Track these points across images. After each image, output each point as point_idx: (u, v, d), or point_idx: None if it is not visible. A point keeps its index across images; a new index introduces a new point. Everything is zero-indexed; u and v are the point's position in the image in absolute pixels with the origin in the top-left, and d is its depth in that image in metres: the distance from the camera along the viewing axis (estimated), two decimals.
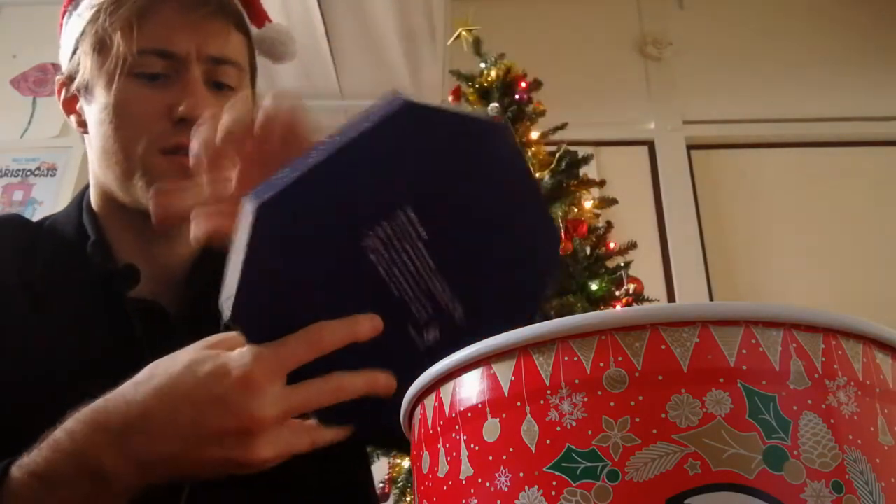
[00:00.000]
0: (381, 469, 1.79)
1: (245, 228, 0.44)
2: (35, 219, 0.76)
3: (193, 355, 0.47)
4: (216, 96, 0.69)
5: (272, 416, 0.45)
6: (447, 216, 0.49)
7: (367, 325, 0.47)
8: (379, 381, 0.49)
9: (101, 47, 0.68)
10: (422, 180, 0.48)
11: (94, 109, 0.70)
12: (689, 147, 2.88)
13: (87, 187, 0.77)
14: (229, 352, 0.46)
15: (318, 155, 0.44)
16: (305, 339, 0.46)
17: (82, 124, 0.73)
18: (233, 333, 0.48)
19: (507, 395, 0.36)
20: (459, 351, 0.40)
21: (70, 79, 0.72)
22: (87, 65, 0.69)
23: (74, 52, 0.71)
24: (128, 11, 0.66)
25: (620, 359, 0.34)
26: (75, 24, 0.71)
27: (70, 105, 0.74)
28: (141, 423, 0.45)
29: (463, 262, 0.51)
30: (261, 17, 0.76)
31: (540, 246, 0.55)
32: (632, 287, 1.79)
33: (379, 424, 0.49)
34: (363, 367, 0.49)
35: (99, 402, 0.47)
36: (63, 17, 0.74)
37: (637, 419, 0.33)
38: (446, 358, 0.40)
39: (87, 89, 0.70)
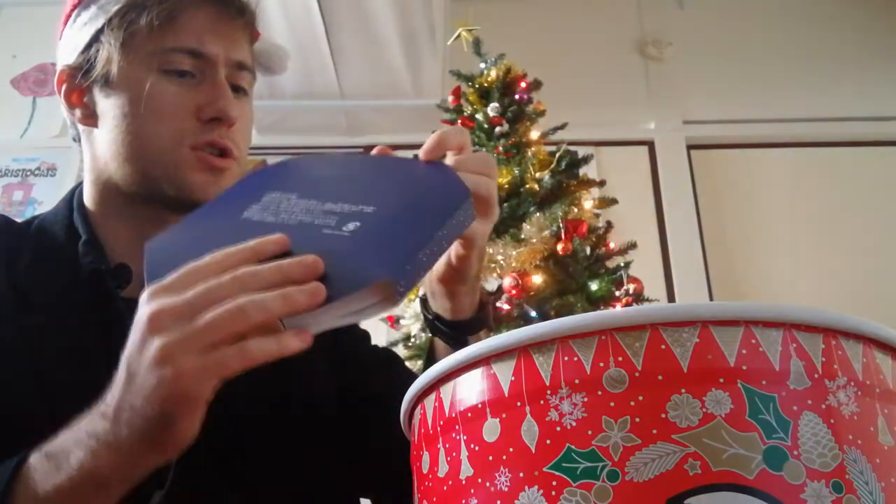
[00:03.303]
0: None
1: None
2: None
3: None
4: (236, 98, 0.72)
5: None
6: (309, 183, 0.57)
7: (268, 243, 0.48)
8: (298, 297, 0.45)
9: (131, 41, 0.69)
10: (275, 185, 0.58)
11: (117, 102, 0.70)
12: (689, 147, 2.88)
13: (77, 186, 0.76)
14: None
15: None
16: (207, 261, 0.46)
17: (89, 116, 0.73)
18: None
19: (507, 395, 0.36)
20: (459, 351, 0.40)
21: (78, 69, 0.72)
22: (112, 57, 0.69)
23: (90, 45, 0.71)
24: (163, 9, 0.68)
25: (620, 359, 0.34)
26: (94, 18, 0.71)
27: (76, 97, 0.73)
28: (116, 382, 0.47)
29: (346, 189, 0.55)
30: (257, 32, 0.80)
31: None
32: (632, 287, 1.78)
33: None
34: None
35: None
36: (72, 11, 0.73)
37: (637, 419, 0.33)
38: (446, 358, 0.40)
39: (107, 81, 0.70)
